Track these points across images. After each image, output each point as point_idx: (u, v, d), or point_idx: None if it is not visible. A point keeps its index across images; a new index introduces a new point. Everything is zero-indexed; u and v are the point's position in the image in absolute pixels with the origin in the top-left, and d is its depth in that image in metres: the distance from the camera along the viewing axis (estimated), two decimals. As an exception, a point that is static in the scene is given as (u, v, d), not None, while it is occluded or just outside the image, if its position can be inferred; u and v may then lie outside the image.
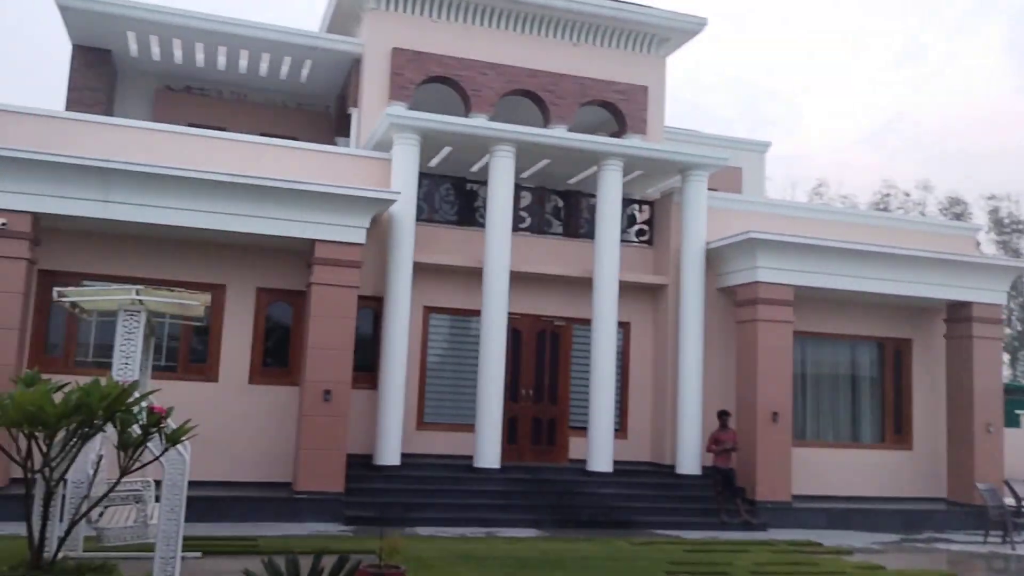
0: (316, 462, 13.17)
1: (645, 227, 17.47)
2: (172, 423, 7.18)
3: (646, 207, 17.54)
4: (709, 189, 16.78)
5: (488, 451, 14.63)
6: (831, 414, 17.53)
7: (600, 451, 15.17)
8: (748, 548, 12.37)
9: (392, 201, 13.98)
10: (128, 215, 12.56)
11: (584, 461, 15.35)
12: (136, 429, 6.91)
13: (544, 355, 16.44)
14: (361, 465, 14.19)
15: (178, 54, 18.22)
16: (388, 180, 14.95)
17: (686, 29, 19.20)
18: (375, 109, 17.24)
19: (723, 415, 15.15)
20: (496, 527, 13.45)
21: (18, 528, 9.81)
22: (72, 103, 17.36)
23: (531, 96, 18.48)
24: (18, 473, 7.74)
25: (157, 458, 7.26)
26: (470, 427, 15.10)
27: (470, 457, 14.87)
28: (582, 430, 15.78)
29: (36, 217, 12.38)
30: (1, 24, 68.55)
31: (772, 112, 76.92)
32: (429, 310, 15.98)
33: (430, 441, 15.48)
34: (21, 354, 12.30)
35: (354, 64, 18.17)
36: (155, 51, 18.12)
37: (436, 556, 10.48)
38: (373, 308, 15.13)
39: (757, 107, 77.60)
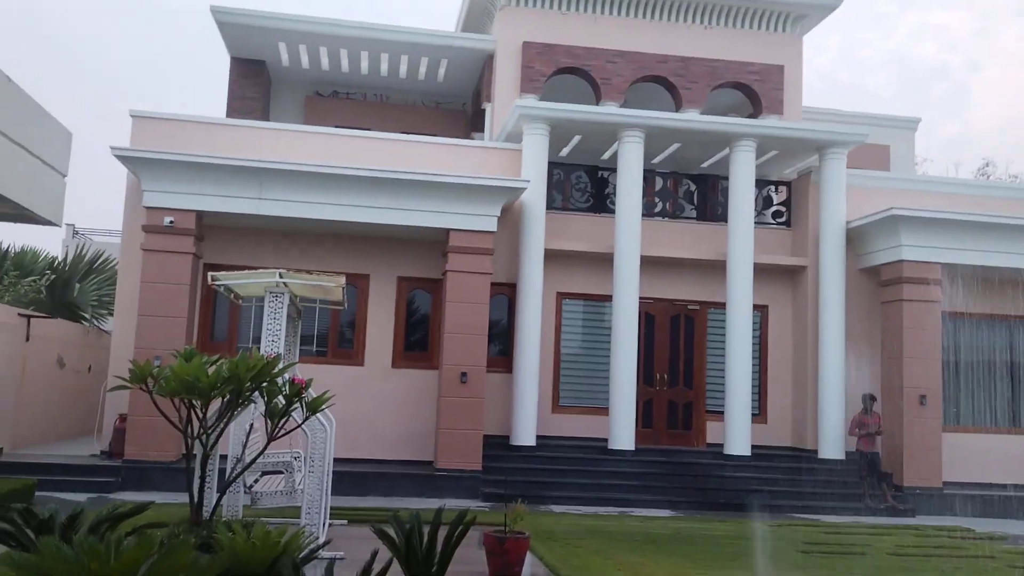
0: (454, 441, 13.78)
1: (782, 208, 17.13)
2: (313, 394, 7.84)
3: (783, 188, 17.19)
4: (854, 168, 16.27)
5: (622, 433, 14.82)
6: (987, 398, 16.60)
7: (737, 434, 15.05)
8: (891, 532, 12.01)
9: (522, 189, 14.40)
10: (280, 211, 13.57)
11: (721, 445, 15.28)
12: (280, 400, 7.60)
13: (678, 339, 16.45)
14: (498, 445, 14.70)
15: (325, 61, 19.36)
16: (519, 170, 15.39)
17: (823, 5, 18.61)
18: (507, 103, 17.72)
19: (869, 399, 14.70)
20: (629, 507, 13.64)
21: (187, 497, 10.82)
22: (232, 111, 18.80)
23: (661, 82, 18.45)
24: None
25: (299, 426, 7.92)
26: (604, 410, 15.33)
27: (605, 440, 15.11)
28: (719, 414, 15.71)
29: (199, 215, 13.61)
30: (172, 42, 74.20)
31: (937, 92, 72.51)
32: (562, 296, 16.31)
33: (565, 424, 15.82)
34: (189, 339, 13.54)
35: (487, 61, 18.73)
36: (304, 60, 19.32)
37: (565, 530, 10.80)
38: (507, 295, 15.62)
39: (921, 87, 73.37)
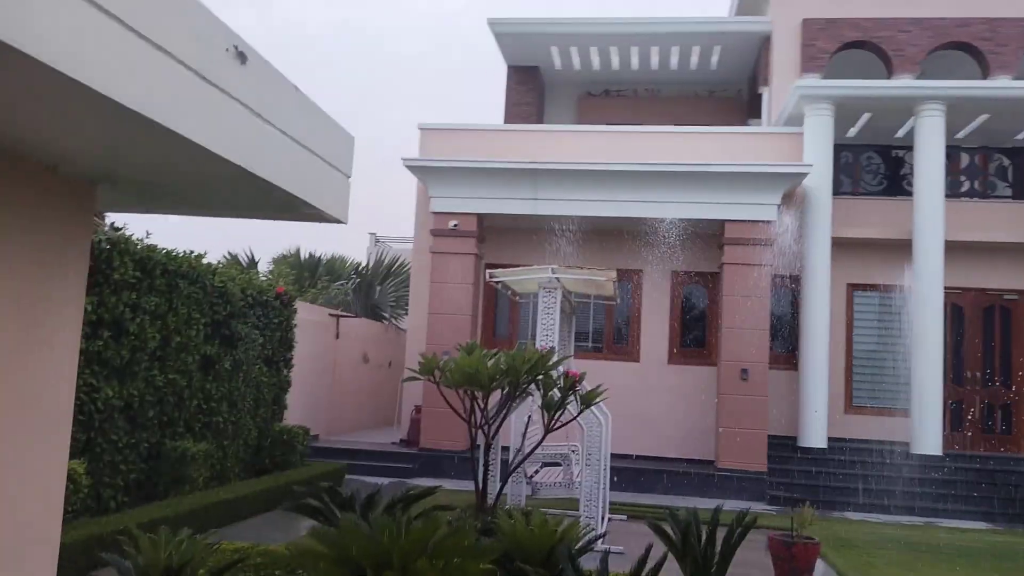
0: (736, 441, 13.27)
1: (1122, 180, 14.69)
2: (587, 387, 7.87)
3: (1123, 156, 14.74)
4: None
5: (926, 437, 13.47)
6: None
7: (1068, 441, 13.12)
8: None
9: (803, 175, 13.57)
10: (553, 210, 13.85)
11: (1049, 453, 13.41)
12: (556, 392, 7.71)
13: (992, 333, 14.67)
14: (784, 446, 13.96)
15: (595, 61, 19.54)
16: (800, 155, 14.51)
17: None
18: (786, 86, 16.77)
19: None
20: (936, 517, 12.37)
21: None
22: (510, 117, 19.54)
23: (964, 48, 16.55)
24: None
25: (574, 418, 7.99)
26: (903, 411, 14.02)
27: (904, 443, 13.81)
28: (1045, 418, 13.78)
29: (480, 217, 14.25)
30: (452, 56, 79.04)
31: None
32: (853, 287, 15.16)
33: (859, 425, 14.67)
34: (474, 336, 14.22)
35: (763, 43, 17.89)
36: (575, 61, 19.62)
37: (862, 538, 9.99)
38: (791, 287, 14.79)
39: None
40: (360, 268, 22.01)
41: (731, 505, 12.54)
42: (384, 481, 12.51)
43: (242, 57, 2.40)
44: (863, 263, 15.02)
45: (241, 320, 10.70)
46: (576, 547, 6.09)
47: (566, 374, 7.68)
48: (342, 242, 51.55)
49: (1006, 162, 15.22)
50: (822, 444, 13.82)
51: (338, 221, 3.18)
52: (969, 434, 14.40)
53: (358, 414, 17.58)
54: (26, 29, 1.60)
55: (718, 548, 6.28)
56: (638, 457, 14.07)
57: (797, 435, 14.01)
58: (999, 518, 12.32)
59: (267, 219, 3.23)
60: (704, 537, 6.23)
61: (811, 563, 7.51)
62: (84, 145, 2.45)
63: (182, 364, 9.26)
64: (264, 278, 14.87)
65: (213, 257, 22.08)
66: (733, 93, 20.76)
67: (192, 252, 9.58)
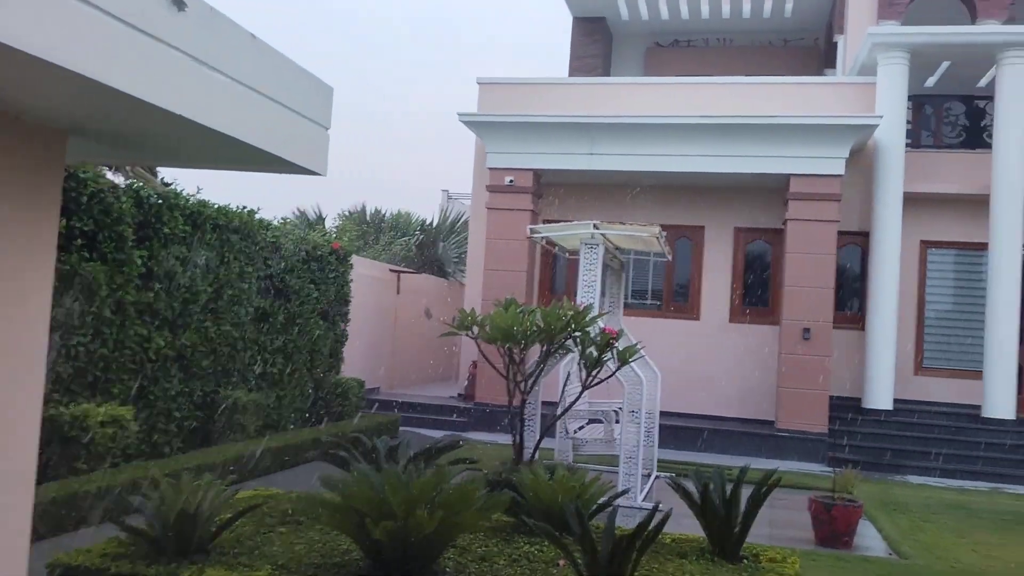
0: (797, 401, 12.99)
1: None
2: (630, 339, 7.78)
3: None
4: None
5: (1000, 400, 12.93)
6: None
7: None
8: None
9: (873, 127, 12.99)
10: (610, 164, 13.62)
11: None
12: (593, 350, 7.65)
13: (1076, 293, 13.87)
14: (848, 408, 13.60)
15: (664, 10, 19.01)
16: (872, 106, 13.90)
17: None
18: (862, 33, 16.02)
19: None
20: (1005, 483, 11.91)
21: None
22: (574, 71, 19.23)
23: (1058, -12, 15.51)
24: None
25: (613, 374, 7.91)
26: (977, 373, 13.47)
27: (976, 406, 13.30)
28: None
29: (536, 173, 14.12)
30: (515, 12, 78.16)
31: None
32: (926, 244, 14.55)
33: (929, 387, 14.17)
34: (530, 292, 14.19)
35: (839, -12, 17.11)
36: (643, 11, 19.13)
37: (918, 502, 9.70)
38: (859, 244, 14.29)
39: None
40: (424, 224, 22.17)
41: (791, 466, 12.43)
42: (439, 434, 12.69)
43: (180, 4, 2.38)
44: (939, 219, 14.38)
45: (295, 275, 10.91)
46: (597, 503, 6.08)
47: (603, 331, 7.60)
48: (416, 200, 51.95)
49: (1099, 112, 14.26)
50: (888, 406, 13.41)
51: (315, 173, 3.17)
52: (1047, 399, 13.75)
53: (419, 369, 17.83)
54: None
55: (743, 507, 6.20)
56: (696, 416, 13.90)
57: (862, 396, 13.62)
58: (1074, 486, 11.79)
59: (242, 171, 3.24)
60: (728, 494, 6.17)
61: (851, 525, 7.33)
62: (31, 99, 2.48)
63: (235, 316, 9.51)
64: (323, 235, 15.11)
65: (282, 213, 22.60)
66: (809, 42, 19.97)
67: (245, 208, 9.78)
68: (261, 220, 10.13)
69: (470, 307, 10.08)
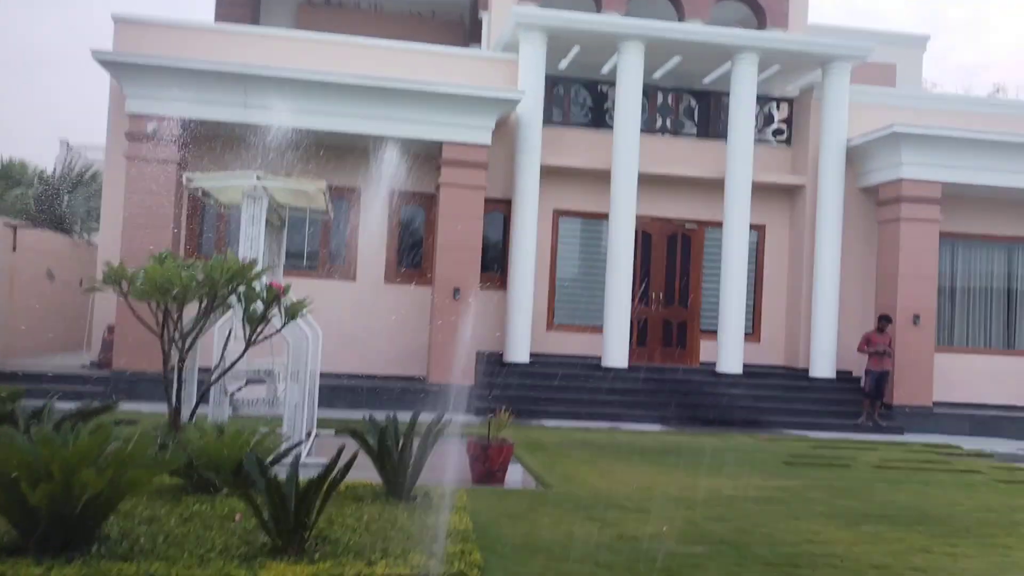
0: (447, 357, 13.71)
1: (783, 126, 16.73)
2: (293, 299, 7.68)
3: (785, 105, 16.75)
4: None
5: (616, 351, 14.75)
6: (983, 319, 16.47)
7: (730, 353, 14.99)
8: (879, 447, 12.02)
9: (516, 101, 14.01)
10: (265, 119, 13.13)
11: (715, 364, 15.22)
12: (259, 305, 7.45)
13: (675, 258, 16.23)
14: (492, 362, 14.63)
15: (316, -32, 18.70)
16: (516, 82, 14.95)
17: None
18: (506, 12, 17.08)
19: (883, 319, 14.56)
20: (621, 422, 13.65)
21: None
22: (219, 18, 18.22)
23: (664, -10, 17.79)
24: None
25: (278, 331, 7.79)
26: (599, 329, 15.21)
27: (599, 358, 15.04)
28: (714, 333, 15.58)
29: (184, 123, 13.16)
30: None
31: (955, 18, 70.36)
32: (559, 213, 16.05)
33: (560, 341, 15.73)
34: (176, 250, 13.30)
35: (485, -32, 18.04)
36: (295, -34, 18.66)
37: (554, 442, 10.79)
38: (503, 211, 15.35)
39: (938, 14, 71.21)
40: (44, 175, 19.72)
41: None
42: (71, 406, 11.50)
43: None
44: (569, 191, 15.90)
45: None
46: (270, 458, 6.00)
47: (270, 286, 7.44)
48: (25, 147, 45.89)
49: (694, 103, 16.72)
50: (526, 360, 14.67)
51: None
52: (652, 349, 15.94)
53: (41, 336, 15.94)
54: None
55: (414, 452, 6.52)
56: (352, 375, 14.07)
57: (504, 351, 14.74)
58: (672, 421, 13.85)
59: None
60: (401, 442, 6.45)
61: (504, 462, 8.01)
62: None
63: None
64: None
65: None
66: (456, 17, 20.84)
67: None
68: None
69: (104, 268, 9.39)
